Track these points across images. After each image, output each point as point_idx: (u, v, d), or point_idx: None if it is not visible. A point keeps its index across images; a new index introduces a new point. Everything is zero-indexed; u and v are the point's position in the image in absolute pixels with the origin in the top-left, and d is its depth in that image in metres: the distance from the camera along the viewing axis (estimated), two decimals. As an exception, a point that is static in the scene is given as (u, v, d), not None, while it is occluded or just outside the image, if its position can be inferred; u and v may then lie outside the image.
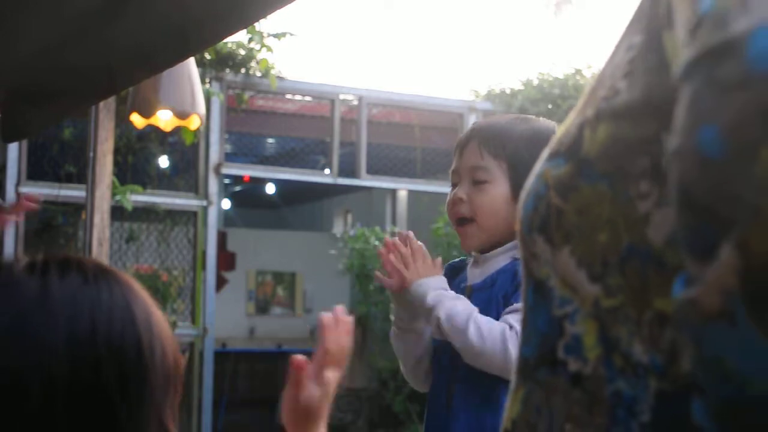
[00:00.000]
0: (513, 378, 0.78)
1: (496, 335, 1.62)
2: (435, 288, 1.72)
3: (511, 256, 1.75)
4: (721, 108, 0.53)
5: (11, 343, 0.81)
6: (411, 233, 1.80)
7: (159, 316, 0.90)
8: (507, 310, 1.68)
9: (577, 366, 0.70)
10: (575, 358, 0.71)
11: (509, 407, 0.77)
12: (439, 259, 1.80)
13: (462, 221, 1.78)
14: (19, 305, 0.83)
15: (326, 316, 1.17)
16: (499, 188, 1.75)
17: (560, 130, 0.77)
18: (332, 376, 1.13)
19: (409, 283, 1.74)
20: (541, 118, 1.85)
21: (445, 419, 1.73)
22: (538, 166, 0.77)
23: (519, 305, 1.63)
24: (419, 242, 1.80)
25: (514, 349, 1.60)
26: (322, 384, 1.12)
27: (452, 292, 1.73)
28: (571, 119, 0.76)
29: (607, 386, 0.68)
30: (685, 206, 0.54)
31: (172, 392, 0.90)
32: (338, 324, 1.18)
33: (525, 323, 0.78)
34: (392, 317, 1.86)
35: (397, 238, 1.80)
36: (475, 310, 1.68)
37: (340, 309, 1.19)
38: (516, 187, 1.73)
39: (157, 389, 0.87)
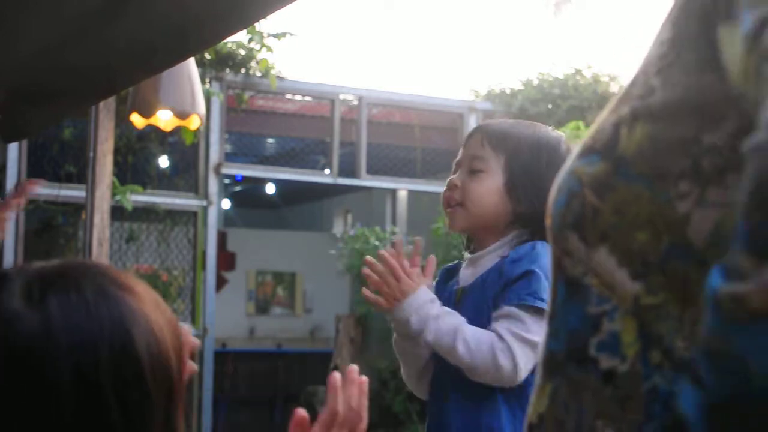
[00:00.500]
0: (539, 371, 0.78)
1: (485, 349, 1.64)
2: (417, 309, 1.70)
3: (499, 255, 1.76)
4: None
5: (16, 382, 0.81)
6: (399, 240, 1.77)
7: (161, 331, 0.88)
8: (497, 314, 1.68)
9: (609, 364, 0.70)
10: (609, 355, 0.71)
11: (535, 401, 0.77)
12: (431, 258, 1.80)
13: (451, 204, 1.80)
14: (22, 343, 0.82)
15: (335, 375, 1.06)
16: (493, 179, 1.77)
17: (593, 127, 0.77)
18: None
19: (390, 308, 1.72)
20: (550, 128, 1.87)
21: (444, 416, 1.74)
22: (569, 164, 0.77)
23: (510, 309, 1.64)
24: (393, 250, 1.75)
25: (505, 360, 1.62)
26: None
27: (435, 308, 1.70)
28: (605, 116, 0.76)
29: (644, 383, 0.69)
30: (757, 201, 0.54)
31: (177, 400, 0.90)
32: (350, 384, 1.07)
33: (553, 317, 0.78)
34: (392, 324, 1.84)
35: (380, 256, 1.76)
36: (462, 323, 1.68)
37: (354, 369, 1.09)
38: (510, 182, 1.75)
39: (161, 407, 0.87)
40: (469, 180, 1.78)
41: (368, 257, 1.79)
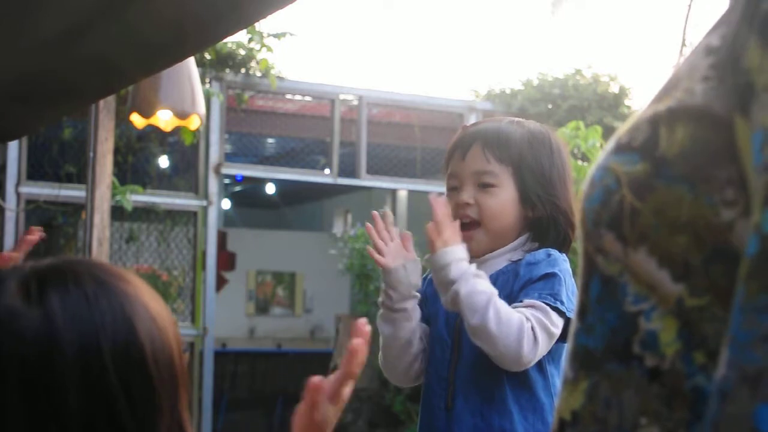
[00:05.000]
0: (569, 367, 0.77)
1: (514, 325, 1.61)
2: (457, 260, 1.67)
3: (508, 259, 1.76)
4: None
5: (22, 382, 0.81)
6: (435, 196, 1.73)
7: (161, 319, 0.89)
8: (523, 304, 1.67)
9: (654, 361, 0.70)
10: (651, 353, 0.70)
11: (566, 397, 0.76)
12: (407, 234, 1.81)
13: (466, 225, 1.75)
14: (25, 344, 0.81)
15: (358, 342, 1.07)
16: (506, 193, 1.75)
17: (628, 123, 0.75)
18: (348, 392, 1.08)
19: (434, 250, 1.68)
20: (530, 120, 1.86)
21: (445, 421, 1.72)
22: (603, 158, 0.75)
23: (535, 302, 1.64)
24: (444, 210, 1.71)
25: (527, 345, 1.61)
26: (337, 403, 1.07)
27: (473, 268, 1.68)
28: (641, 113, 0.74)
29: (686, 381, 0.68)
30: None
31: (182, 392, 0.90)
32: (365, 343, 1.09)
33: (584, 312, 0.77)
34: (379, 299, 1.81)
35: (379, 214, 1.80)
36: (495, 292, 1.66)
37: (363, 322, 1.09)
38: (522, 190, 1.74)
39: (165, 395, 0.87)
40: (483, 196, 1.75)
41: (375, 212, 1.81)
